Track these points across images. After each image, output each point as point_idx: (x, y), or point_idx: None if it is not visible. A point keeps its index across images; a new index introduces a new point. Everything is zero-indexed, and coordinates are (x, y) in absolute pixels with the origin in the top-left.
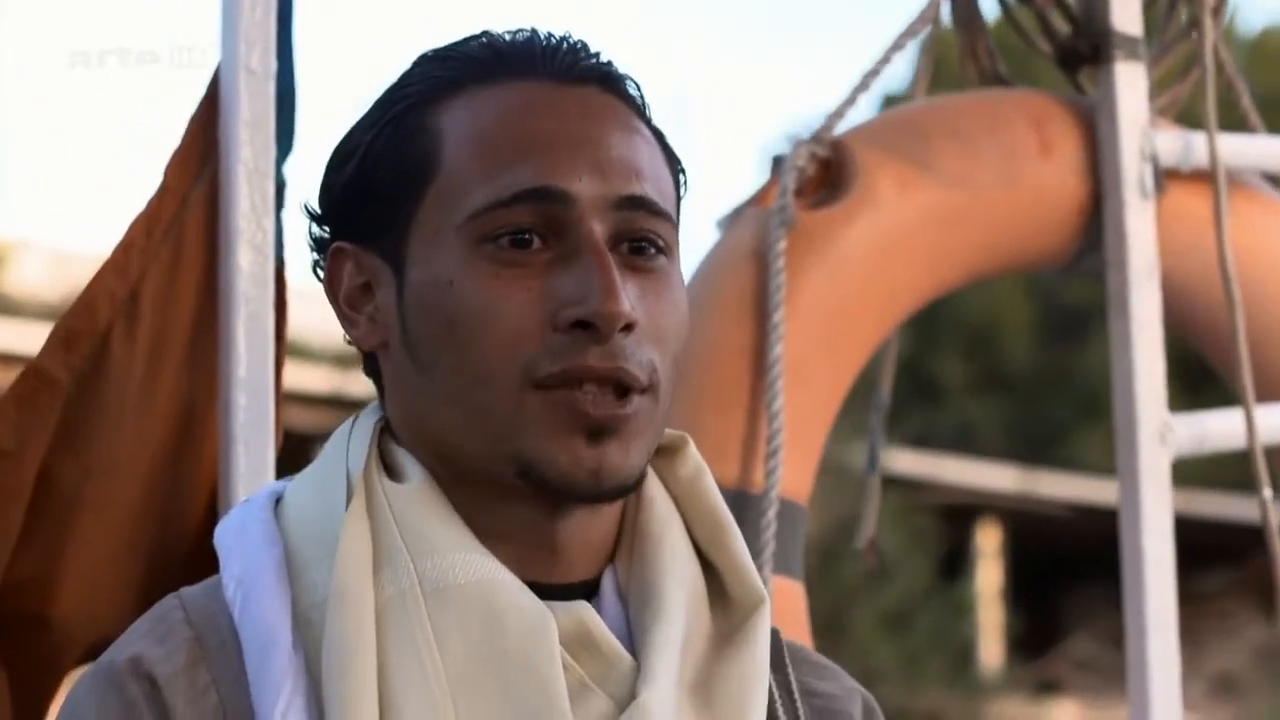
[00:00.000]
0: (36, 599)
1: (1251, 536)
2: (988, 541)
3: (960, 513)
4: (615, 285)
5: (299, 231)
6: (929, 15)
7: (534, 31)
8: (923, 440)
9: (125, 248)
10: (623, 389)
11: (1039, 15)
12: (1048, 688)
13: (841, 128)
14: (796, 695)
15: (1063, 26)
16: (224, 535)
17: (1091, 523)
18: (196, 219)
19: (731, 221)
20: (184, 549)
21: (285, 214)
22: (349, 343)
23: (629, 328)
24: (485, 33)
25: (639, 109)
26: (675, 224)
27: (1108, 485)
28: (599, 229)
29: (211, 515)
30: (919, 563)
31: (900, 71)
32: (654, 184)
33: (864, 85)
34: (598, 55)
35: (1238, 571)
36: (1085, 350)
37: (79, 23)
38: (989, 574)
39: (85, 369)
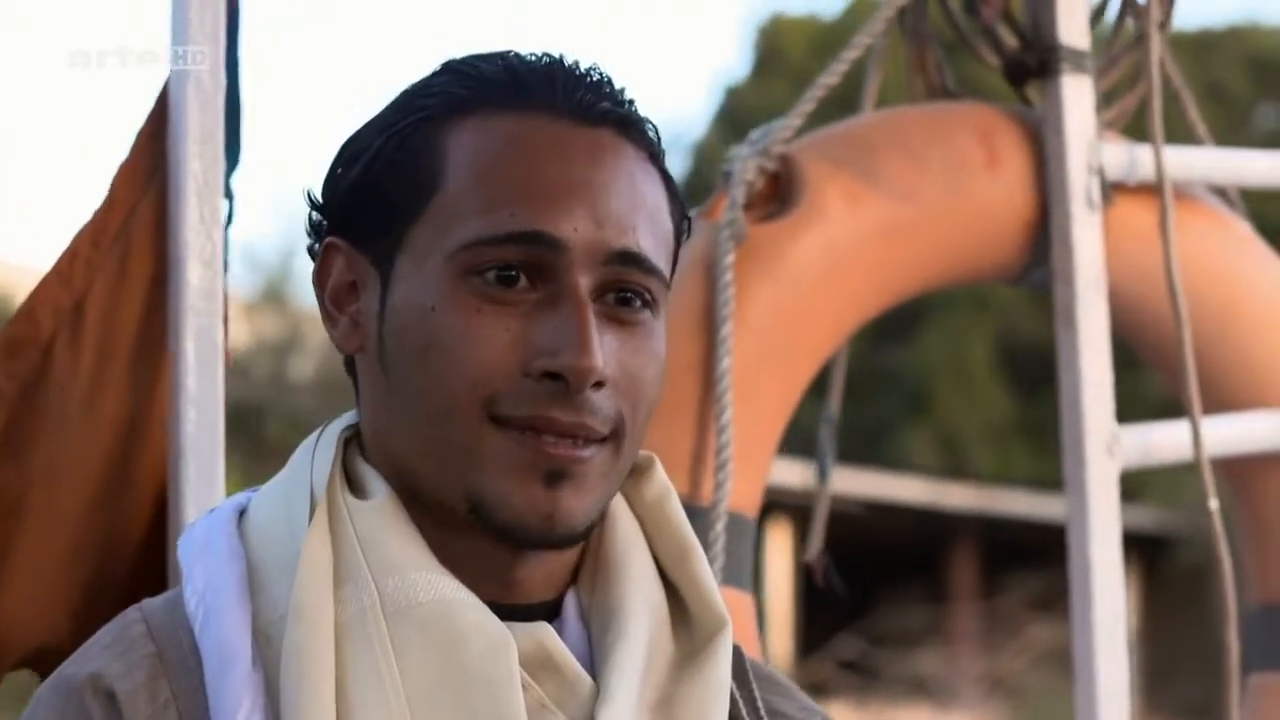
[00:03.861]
0: None
1: (1053, 536)
2: (776, 539)
3: None
4: (591, 341)
5: (240, 247)
6: (876, 28)
7: (557, 61)
8: None
9: (70, 257)
10: (581, 439)
11: (986, 29)
12: (817, 689)
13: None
14: (763, 713)
15: (1010, 40)
16: (187, 548)
17: (891, 520)
18: (143, 231)
19: None
20: (127, 559)
21: (231, 228)
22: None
23: (599, 384)
24: (508, 53)
25: (651, 154)
26: (666, 281)
27: (910, 483)
28: (585, 281)
29: (157, 526)
30: None
31: (741, 64)
32: (651, 235)
33: (813, 100)
34: (618, 94)
35: (1036, 572)
36: (912, 350)
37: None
38: (776, 573)
39: (28, 378)
